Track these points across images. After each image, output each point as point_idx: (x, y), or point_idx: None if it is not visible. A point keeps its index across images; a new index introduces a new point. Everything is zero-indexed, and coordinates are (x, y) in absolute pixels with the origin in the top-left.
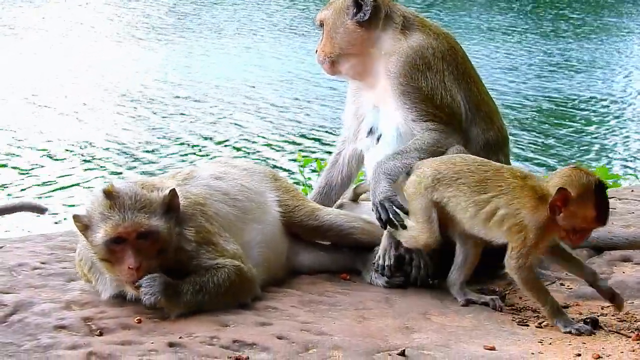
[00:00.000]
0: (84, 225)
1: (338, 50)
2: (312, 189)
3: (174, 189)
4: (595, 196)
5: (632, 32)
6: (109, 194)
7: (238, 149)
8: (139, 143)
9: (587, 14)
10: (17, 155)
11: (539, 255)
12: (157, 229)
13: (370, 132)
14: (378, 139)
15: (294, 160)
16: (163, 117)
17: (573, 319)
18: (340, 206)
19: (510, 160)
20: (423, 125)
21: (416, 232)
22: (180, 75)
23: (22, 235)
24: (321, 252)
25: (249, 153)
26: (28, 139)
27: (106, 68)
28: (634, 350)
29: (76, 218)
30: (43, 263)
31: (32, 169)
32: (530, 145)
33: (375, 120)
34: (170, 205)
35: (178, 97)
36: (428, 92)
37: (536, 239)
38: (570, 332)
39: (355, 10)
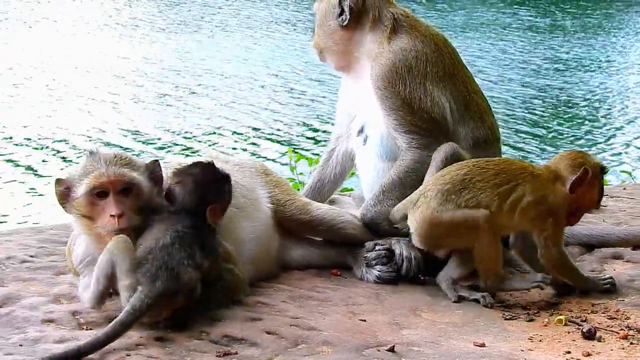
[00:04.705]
0: (65, 189)
1: (322, 44)
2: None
3: (157, 160)
4: (601, 180)
5: None
6: (93, 153)
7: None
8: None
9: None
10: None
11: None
12: (140, 182)
13: (361, 131)
14: (365, 141)
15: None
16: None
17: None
18: (332, 202)
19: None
20: (405, 139)
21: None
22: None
23: (11, 227)
24: (312, 247)
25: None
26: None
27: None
28: (623, 348)
29: (58, 181)
30: (32, 256)
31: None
32: (527, 140)
33: (364, 120)
34: (153, 173)
35: (194, 92)
36: (406, 97)
37: (563, 221)
38: (608, 289)
39: (339, 12)
